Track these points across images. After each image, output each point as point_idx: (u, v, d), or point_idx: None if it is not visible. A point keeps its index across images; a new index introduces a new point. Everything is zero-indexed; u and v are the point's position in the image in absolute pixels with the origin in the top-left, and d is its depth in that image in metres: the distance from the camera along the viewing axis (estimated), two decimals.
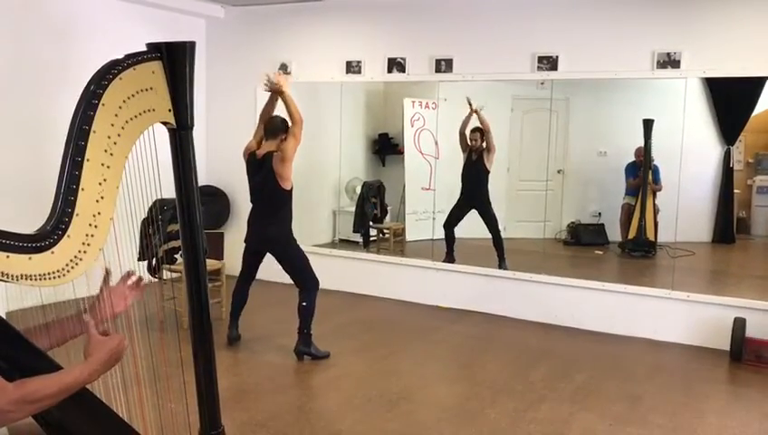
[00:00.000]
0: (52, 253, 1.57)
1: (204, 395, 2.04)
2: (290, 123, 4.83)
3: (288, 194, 4.87)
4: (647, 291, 5.76)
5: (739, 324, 5.12)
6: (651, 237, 7.19)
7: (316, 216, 8.28)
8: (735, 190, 7.83)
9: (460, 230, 7.70)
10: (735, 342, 5.10)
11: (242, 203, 7.50)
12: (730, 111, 7.35)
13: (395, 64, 6.61)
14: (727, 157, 7.54)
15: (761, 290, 6.12)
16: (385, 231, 7.97)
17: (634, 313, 5.73)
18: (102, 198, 1.66)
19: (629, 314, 5.74)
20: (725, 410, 4.32)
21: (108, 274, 1.88)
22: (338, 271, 7.08)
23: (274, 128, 4.90)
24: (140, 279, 2.06)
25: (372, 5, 6.68)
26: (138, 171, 1.80)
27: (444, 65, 6.38)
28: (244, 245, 5.18)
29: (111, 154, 1.67)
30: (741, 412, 4.28)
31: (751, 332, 5.12)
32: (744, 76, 5.46)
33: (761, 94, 6.97)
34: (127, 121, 1.70)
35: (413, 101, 7.95)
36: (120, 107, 1.67)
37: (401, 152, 8.15)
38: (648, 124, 6.97)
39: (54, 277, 1.58)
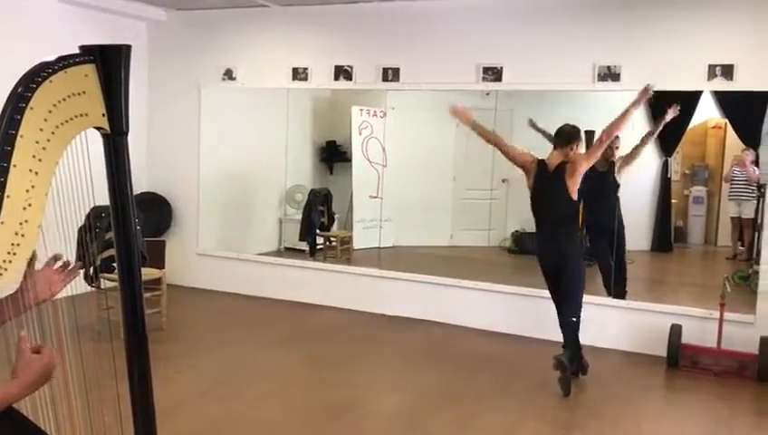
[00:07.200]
0: None
1: (138, 406, 1.99)
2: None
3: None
4: (587, 298, 5.82)
5: (676, 331, 5.25)
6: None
7: (261, 223, 8.20)
8: (673, 200, 8.08)
9: (409, 238, 7.73)
10: (672, 348, 5.23)
11: (184, 210, 7.38)
12: (668, 123, 7.58)
13: (342, 72, 6.60)
14: (665, 168, 7.78)
15: (696, 297, 6.31)
16: (332, 239, 7.94)
17: None
18: (30, 205, 1.60)
19: None
20: (663, 415, 4.43)
21: (33, 257, 1.79)
22: (283, 280, 7.01)
23: (568, 136, 4.76)
24: (68, 263, 1.97)
25: (319, 13, 6.66)
26: (74, 178, 1.75)
27: (391, 74, 6.40)
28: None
29: (40, 160, 1.61)
30: (678, 417, 4.39)
31: (687, 338, 5.26)
32: (680, 90, 5.64)
33: (696, 108, 7.21)
34: (57, 126, 1.64)
35: (361, 109, 7.97)
36: (49, 111, 1.62)
37: (349, 160, 8.14)
38: (589, 136, 7.11)
39: None
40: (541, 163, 4.77)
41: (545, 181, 4.72)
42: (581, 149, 4.92)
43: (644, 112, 7.40)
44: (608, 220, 6.08)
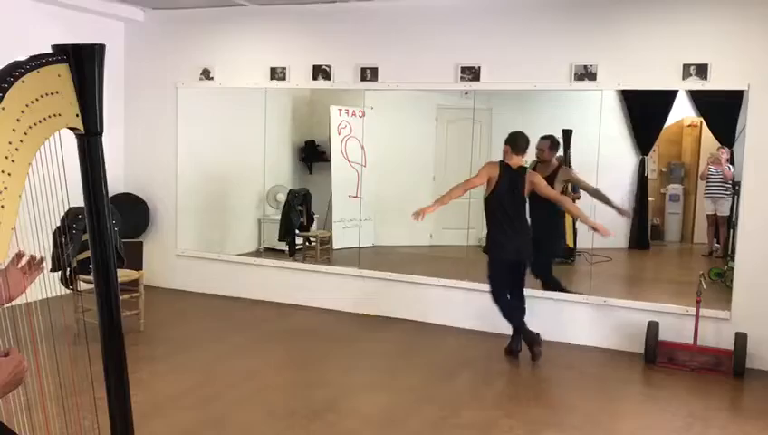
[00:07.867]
0: None
1: (116, 410, 1.97)
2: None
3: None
4: (565, 296, 5.92)
5: (653, 328, 5.31)
6: (570, 244, 7.39)
7: (240, 224, 8.15)
8: (650, 198, 8.15)
9: (389, 238, 7.70)
10: (649, 344, 5.30)
11: (162, 211, 7.32)
12: (644, 122, 7.66)
13: (320, 72, 6.59)
14: (642, 166, 7.84)
15: (673, 294, 6.37)
16: (311, 239, 7.92)
17: (553, 318, 5.86)
18: (3, 207, 1.57)
19: (548, 319, 5.85)
20: (640, 411, 4.47)
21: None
22: (262, 280, 6.99)
23: (526, 145, 5.32)
24: (33, 258, 1.94)
25: (297, 12, 6.64)
26: (49, 179, 1.72)
27: (369, 74, 6.40)
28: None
29: (13, 161, 1.59)
30: (655, 413, 4.44)
31: (664, 335, 5.32)
32: (655, 89, 5.71)
33: (672, 106, 7.29)
34: (30, 127, 1.62)
35: (340, 109, 7.95)
36: (22, 111, 1.60)
37: (328, 160, 8.12)
38: (566, 134, 7.18)
39: None
40: (502, 163, 5.27)
41: (511, 179, 5.23)
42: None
43: (619, 110, 7.49)
44: (548, 229, 6.10)
